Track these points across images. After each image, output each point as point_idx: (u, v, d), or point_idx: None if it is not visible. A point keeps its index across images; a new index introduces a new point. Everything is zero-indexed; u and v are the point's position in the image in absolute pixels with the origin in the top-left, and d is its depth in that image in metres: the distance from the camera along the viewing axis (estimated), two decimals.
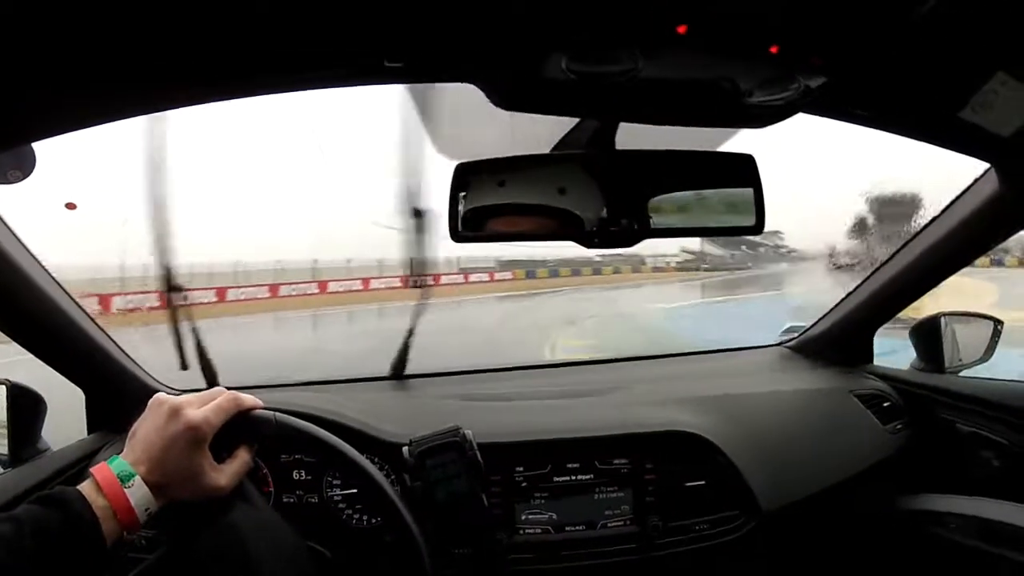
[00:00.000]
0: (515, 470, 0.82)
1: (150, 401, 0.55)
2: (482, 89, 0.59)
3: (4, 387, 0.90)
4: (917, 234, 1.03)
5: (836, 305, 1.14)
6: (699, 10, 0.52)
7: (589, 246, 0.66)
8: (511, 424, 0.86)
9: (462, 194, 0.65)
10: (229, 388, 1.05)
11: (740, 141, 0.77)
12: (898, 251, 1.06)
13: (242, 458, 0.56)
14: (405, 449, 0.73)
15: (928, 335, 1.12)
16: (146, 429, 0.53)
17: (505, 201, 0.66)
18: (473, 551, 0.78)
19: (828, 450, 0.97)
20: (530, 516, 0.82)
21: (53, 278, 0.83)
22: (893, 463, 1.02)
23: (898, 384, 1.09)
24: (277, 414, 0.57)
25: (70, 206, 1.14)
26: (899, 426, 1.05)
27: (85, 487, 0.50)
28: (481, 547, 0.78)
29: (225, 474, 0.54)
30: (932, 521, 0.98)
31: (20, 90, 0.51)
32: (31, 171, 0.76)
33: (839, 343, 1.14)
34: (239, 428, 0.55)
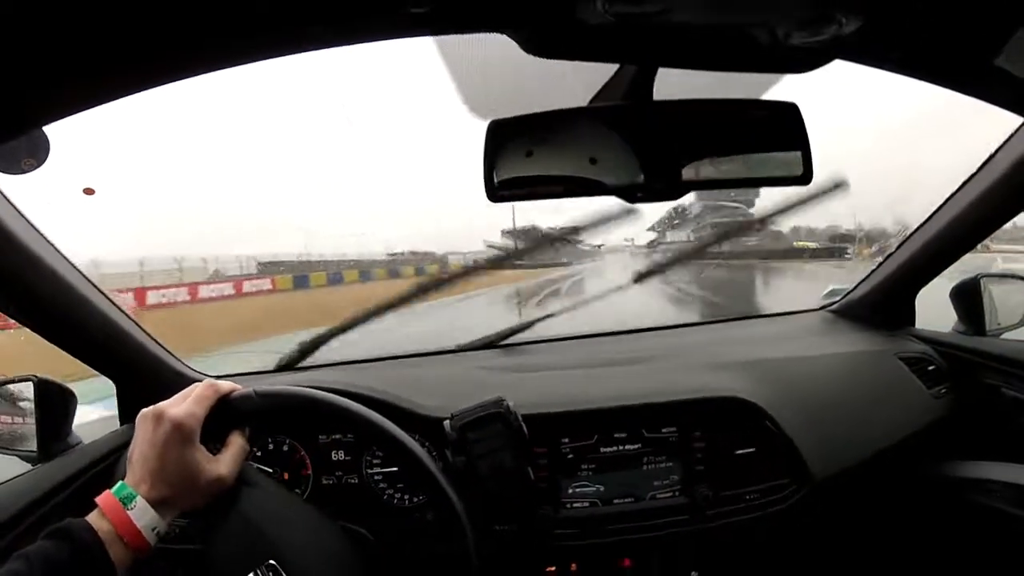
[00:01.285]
0: (561, 442, 0.79)
1: (136, 419, 0.54)
2: (513, 38, 0.56)
3: (32, 383, 0.89)
4: (955, 192, 0.99)
5: (877, 266, 1.10)
6: None
7: (632, 200, 0.63)
8: (555, 394, 0.84)
9: (495, 152, 0.62)
10: (260, 373, 1.04)
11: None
12: (937, 210, 1.02)
13: (236, 443, 0.55)
14: (446, 423, 0.71)
15: (968, 297, 1.08)
16: (139, 446, 0.53)
17: (541, 159, 0.63)
18: (517, 527, 0.75)
19: (875, 415, 0.94)
20: (576, 489, 0.80)
21: (75, 267, 0.81)
22: (937, 428, 0.98)
23: (940, 347, 1.06)
24: (256, 388, 0.56)
25: (88, 191, 1.12)
26: (943, 390, 1.02)
27: (92, 516, 0.50)
28: (526, 523, 0.75)
29: (223, 463, 0.53)
30: (974, 488, 0.95)
31: (25, 70, 0.48)
32: (45, 159, 0.75)
33: (881, 305, 1.11)
34: (224, 413, 0.55)
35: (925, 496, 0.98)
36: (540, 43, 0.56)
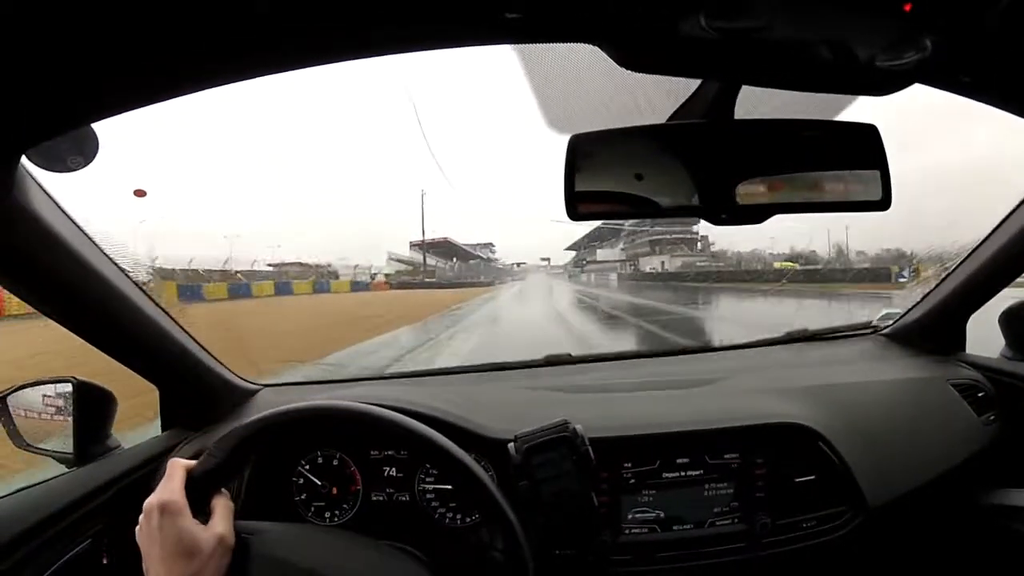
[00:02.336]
0: (623, 466, 0.78)
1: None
2: (605, 50, 0.55)
3: (71, 384, 0.88)
4: (1008, 216, 0.97)
5: (931, 291, 1.08)
6: None
7: (717, 222, 0.62)
8: (617, 417, 0.82)
9: (576, 168, 0.60)
10: (312, 383, 1.03)
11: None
12: (991, 234, 1.00)
13: (219, 504, 0.56)
14: (511, 446, 0.69)
15: (1018, 321, 1.06)
16: (141, 542, 0.54)
17: (621, 177, 0.62)
18: (576, 552, 0.73)
19: (927, 443, 0.92)
20: (636, 514, 0.78)
21: (124, 271, 0.79)
22: (985, 455, 0.97)
23: (989, 373, 1.04)
24: (212, 444, 0.57)
25: (139, 193, 1.10)
26: (992, 417, 1.00)
27: None
28: (586, 548, 0.73)
29: (216, 524, 0.54)
30: (1013, 516, 0.93)
31: (78, 65, 0.47)
32: (93, 157, 0.73)
33: (933, 330, 1.09)
34: (195, 484, 0.55)
35: (972, 524, 0.96)
36: (633, 56, 0.55)
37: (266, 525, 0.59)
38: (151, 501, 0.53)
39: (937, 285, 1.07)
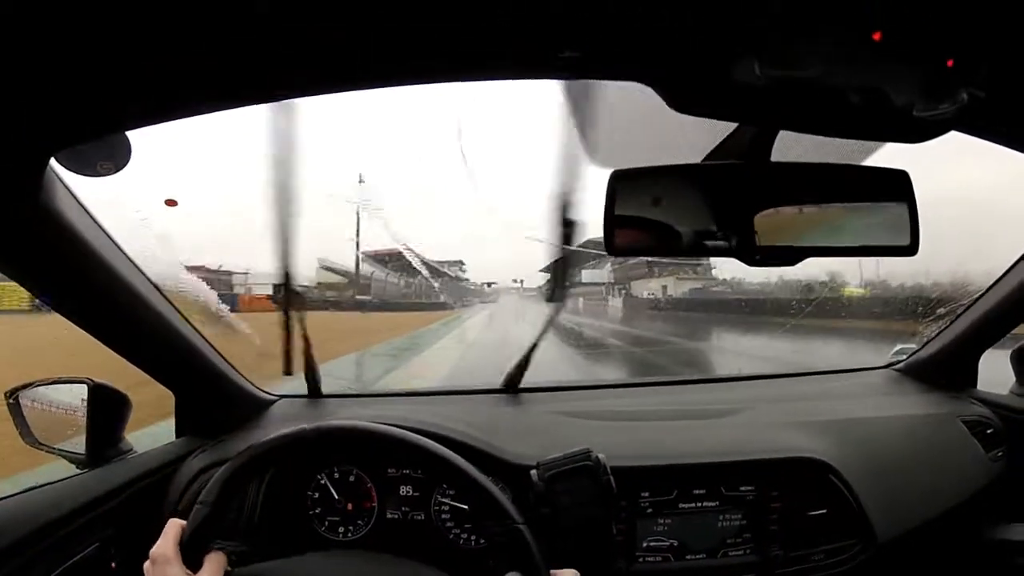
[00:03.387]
0: (641, 495, 0.78)
1: None
2: (657, 89, 0.55)
3: (87, 386, 0.87)
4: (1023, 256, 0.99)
5: (945, 327, 1.10)
6: (897, 16, 0.48)
7: (751, 263, 0.62)
8: (637, 446, 0.82)
9: (617, 204, 0.61)
10: (329, 396, 1.03)
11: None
12: (1006, 273, 1.02)
13: (209, 559, 0.59)
14: (533, 473, 0.69)
15: None
16: None
17: (658, 215, 0.62)
18: None
19: (936, 478, 0.93)
20: (651, 543, 0.78)
21: (146, 276, 0.79)
22: (992, 491, 0.98)
23: (999, 409, 1.05)
24: (198, 501, 0.60)
25: (170, 203, 1.10)
26: (1000, 453, 1.02)
27: None
28: (598, 574, 0.74)
29: (205, 573, 0.58)
30: (1019, 551, 0.95)
31: (112, 74, 0.47)
32: (125, 164, 0.73)
33: (946, 366, 1.11)
34: (191, 536, 0.58)
35: (979, 559, 0.97)
36: (682, 98, 0.55)
37: (261, 567, 0.62)
38: (150, 555, 0.58)
39: (951, 322, 1.09)
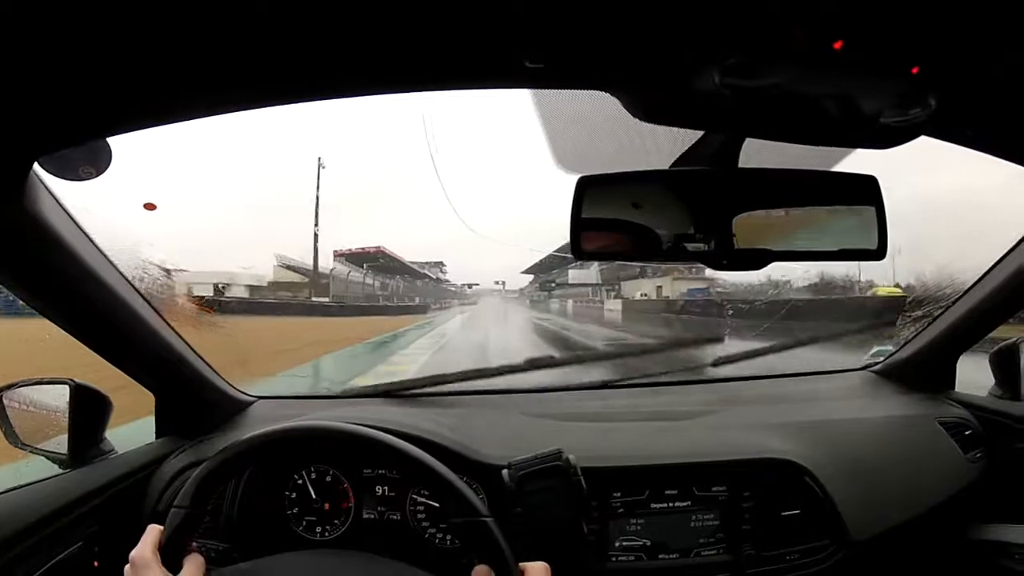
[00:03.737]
0: (612, 495, 0.79)
1: None
2: (621, 99, 0.56)
3: (68, 386, 0.88)
4: (1002, 259, 1.00)
5: (923, 329, 1.10)
6: (859, 25, 0.49)
7: (718, 268, 0.63)
8: (609, 447, 0.83)
9: (583, 209, 0.62)
10: (306, 397, 1.04)
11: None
12: (983, 276, 1.03)
13: (189, 559, 0.60)
14: (505, 472, 0.70)
15: (1006, 361, 1.09)
16: None
17: (626, 219, 0.63)
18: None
19: (913, 479, 0.94)
20: (624, 543, 0.79)
21: (126, 279, 0.80)
22: (970, 492, 0.99)
23: (978, 411, 1.06)
24: (174, 504, 0.61)
25: (149, 207, 1.11)
26: (978, 455, 1.02)
27: None
28: (569, 573, 0.75)
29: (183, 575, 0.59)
30: (1000, 552, 0.95)
31: (97, 81, 0.48)
32: (105, 168, 0.74)
33: (923, 368, 1.11)
34: (169, 539, 0.60)
35: (957, 559, 0.98)
36: (644, 106, 0.56)
37: (240, 567, 0.63)
38: (130, 557, 0.59)
39: (928, 324, 1.10)
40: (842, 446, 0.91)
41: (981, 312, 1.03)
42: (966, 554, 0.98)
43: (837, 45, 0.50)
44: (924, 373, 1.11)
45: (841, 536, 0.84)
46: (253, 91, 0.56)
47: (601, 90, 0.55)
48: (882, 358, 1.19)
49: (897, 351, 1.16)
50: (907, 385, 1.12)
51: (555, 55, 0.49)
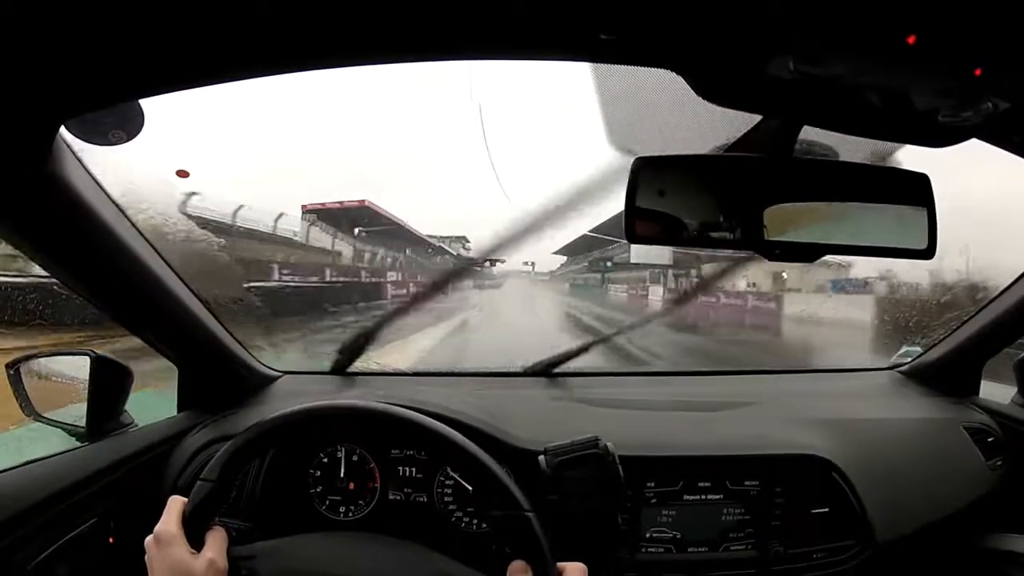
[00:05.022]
0: (646, 485, 0.78)
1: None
2: (687, 79, 0.55)
3: (89, 358, 0.86)
4: None
5: (951, 332, 1.10)
6: (933, 22, 0.48)
7: (771, 258, 0.62)
8: (645, 435, 0.83)
9: (639, 191, 0.60)
10: (334, 373, 1.02)
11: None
12: (1015, 281, 1.02)
13: (212, 535, 0.60)
14: (542, 458, 0.69)
15: None
16: (149, 568, 0.59)
17: (680, 206, 0.62)
18: (591, 567, 0.74)
19: (936, 483, 0.94)
20: (654, 533, 0.79)
21: (154, 247, 0.78)
22: (989, 500, 0.99)
23: (1001, 419, 1.06)
24: (201, 477, 0.60)
25: (182, 174, 1.08)
26: (999, 462, 1.02)
27: None
28: (601, 564, 0.74)
29: (207, 551, 0.58)
30: (1010, 562, 0.95)
31: (127, 39, 0.46)
32: (137, 132, 0.72)
33: (950, 372, 1.11)
34: (192, 514, 0.59)
35: (974, 567, 0.98)
36: (713, 88, 0.55)
37: (262, 545, 0.62)
38: (154, 533, 0.59)
39: (957, 328, 1.09)
40: (871, 446, 0.91)
41: (1011, 317, 1.03)
42: (977, 562, 0.98)
43: (911, 40, 0.50)
44: (951, 377, 1.11)
45: (867, 537, 0.84)
46: (305, 50, 0.54)
47: (669, 68, 0.53)
48: (909, 359, 1.19)
49: (924, 353, 1.16)
50: (933, 388, 1.11)
51: (632, 29, 0.48)
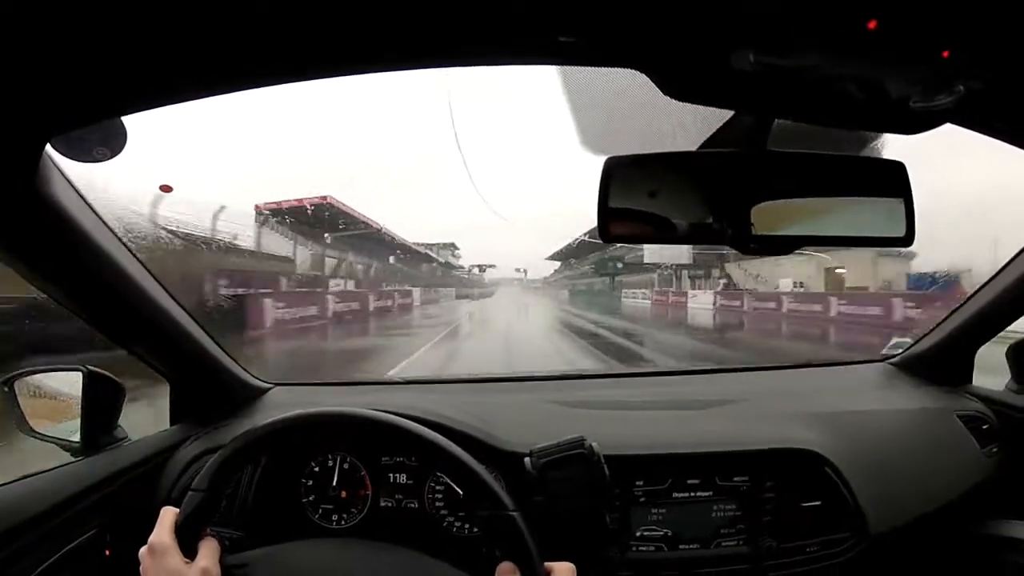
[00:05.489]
0: (635, 484, 0.78)
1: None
2: (653, 77, 0.55)
3: (81, 372, 0.87)
4: (1021, 251, 0.99)
5: (941, 322, 1.10)
6: (892, 5, 0.48)
7: (745, 251, 0.62)
8: (631, 435, 0.83)
9: (610, 191, 0.61)
10: (323, 384, 1.03)
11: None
12: (1003, 268, 1.02)
13: (204, 544, 0.60)
14: (527, 460, 0.69)
15: None
16: None
17: (654, 205, 0.62)
18: (581, 568, 0.74)
19: (931, 473, 0.93)
20: (644, 532, 0.79)
21: (141, 262, 0.79)
22: (985, 487, 0.98)
23: (995, 406, 1.05)
24: (191, 487, 0.61)
25: (165, 188, 1.09)
26: (994, 449, 1.02)
27: None
28: (591, 564, 0.74)
29: (200, 560, 0.59)
30: (1010, 547, 0.95)
31: (110, 58, 0.47)
32: (121, 149, 0.73)
33: (941, 361, 1.11)
34: (185, 524, 0.59)
35: (971, 554, 0.97)
36: (677, 84, 0.55)
37: (255, 553, 0.62)
38: (148, 543, 0.59)
39: (947, 317, 1.09)
40: (862, 438, 0.90)
41: (1000, 305, 1.02)
42: (976, 549, 0.98)
43: (871, 24, 0.50)
44: (942, 366, 1.11)
45: (861, 529, 0.83)
46: (272, 67, 0.55)
47: (633, 68, 0.54)
48: (900, 350, 1.18)
49: (915, 343, 1.15)
50: (925, 378, 1.11)
51: (589, 29, 0.48)
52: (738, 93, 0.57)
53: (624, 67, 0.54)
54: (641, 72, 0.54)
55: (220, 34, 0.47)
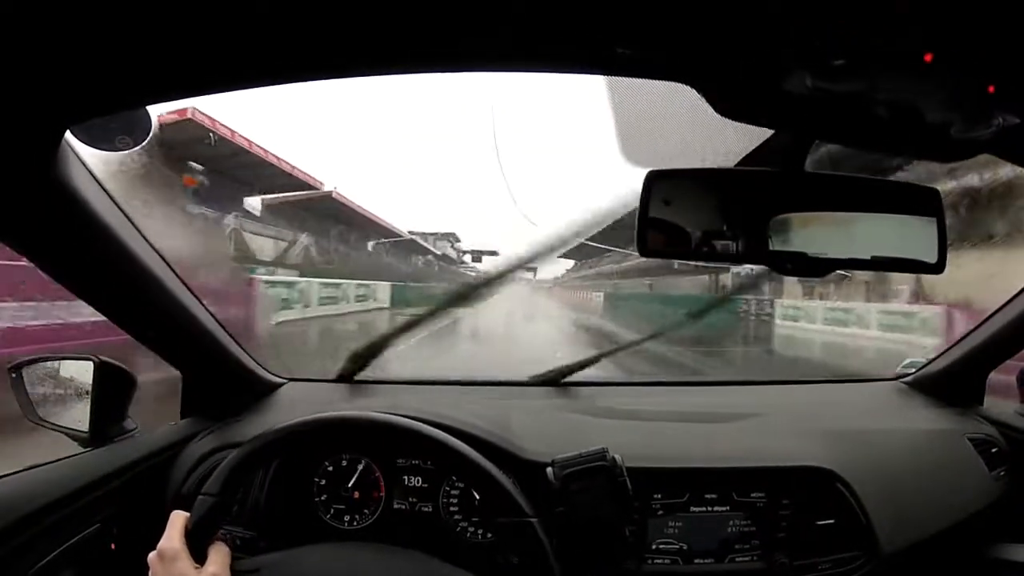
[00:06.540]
0: (653, 497, 0.78)
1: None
2: (704, 94, 0.55)
3: (92, 362, 0.86)
4: None
5: (956, 343, 1.10)
6: (950, 40, 0.48)
7: (783, 272, 0.62)
8: (651, 447, 0.83)
9: (651, 204, 0.60)
10: (339, 381, 1.01)
11: None
12: (1020, 292, 1.02)
13: (214, 550, 0.60)
14: (549, 470, 0.69)
15: None
16: None
17: (693, 220, 0.62)
18: None
19: (940, 494, 0.94)
20: (661, 545, 0.79)
21: (159, 253, 0.77)
22: (993, 510, 0.99)
23: (1004, 429, 1.06)
24: (202, 492, 0.61)
25: (189, 181, 1.07)
26: (1002, 472, 1.03)
27: None
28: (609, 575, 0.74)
29: (209, 565, 0.59)
30: (1016, 572, 0.96)
31: (134, 45, 0.45)
32: (144, 139, 0.71)
33: (954, 382, 1.11)
34: (195, 530, 0.59)
35: None
36: (728, 102, 0.55)
37: (266, 559, 0.61)
38: (158, 548, 0.59)
39: (962, 338, 1.10)
40: (875, 457, 0.91)
41: (1015, 328, 1.03)
42: (983, 573, 0.98)
43: (928, 57, 0.50)
44: (954, 387, 1.11)
45: (872, 548, 0.84)
46: (307, 62, 0.53)
47: (686, 83, 0.53)
48: (913, 369, 1.19)
49: (928, 363, 1.16)
50: (937, 398, 1.12)
51: (650, 42, 0.47)
52: (784, 113, 0.57)
53: (678, 81, 0.54)
54: (693, 87, 0.53)
55: (251, 26, 0.45)
